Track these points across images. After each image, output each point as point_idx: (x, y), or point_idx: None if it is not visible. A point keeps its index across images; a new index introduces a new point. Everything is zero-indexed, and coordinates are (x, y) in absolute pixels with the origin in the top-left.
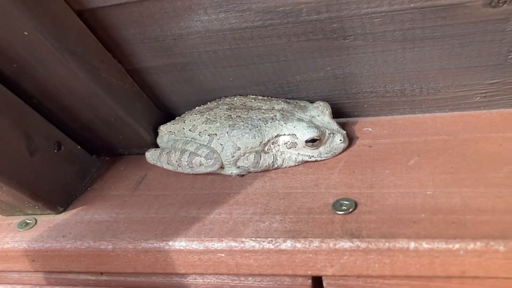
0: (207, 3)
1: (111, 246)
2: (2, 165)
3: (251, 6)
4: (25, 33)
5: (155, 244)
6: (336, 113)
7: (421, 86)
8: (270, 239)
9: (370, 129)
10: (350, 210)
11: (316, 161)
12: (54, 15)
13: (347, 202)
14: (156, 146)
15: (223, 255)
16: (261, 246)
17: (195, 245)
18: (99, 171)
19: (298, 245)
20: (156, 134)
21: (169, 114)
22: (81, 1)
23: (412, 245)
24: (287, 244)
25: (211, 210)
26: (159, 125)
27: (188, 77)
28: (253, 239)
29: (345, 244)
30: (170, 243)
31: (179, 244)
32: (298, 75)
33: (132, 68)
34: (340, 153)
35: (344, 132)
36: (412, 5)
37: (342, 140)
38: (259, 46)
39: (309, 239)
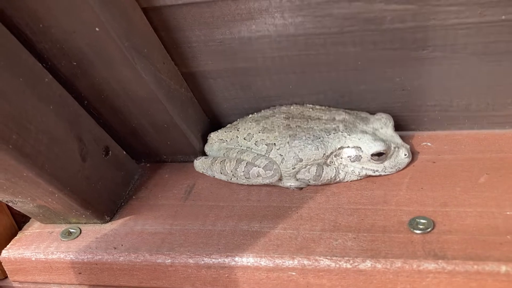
0: (286, 6)
1: (169, 260)
2: (57, 170)
3: (333, 11)
4: (97, 29)
5: (219, 260)
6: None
7: (487, 102)
8: (347, 258)
9: (429, 144)
10: (429, 229)
11: (379, 175)
12: (124, 11)
13: (424, 221)
14: (204, 154)
15: (294, 273)
16: (337, 265)
17: (264, 262)
18: (142, 178)
19: (379, 265)
20: (204, 142)
21: (215, 121)
22: None
23: (503, 268)
24: (367, 264)
25: (275, 224)
26: (206, 132)
27: (245, 83)
28: (328, 257)
29: (429, 265)
30: (236, 258)
31: (246, 260)
32: (363, 85)
33: (188, 71)
34: (403, 168)
35: (408, 146)
36: (503, 17)
37: (407, 154)
38: (330, 53)
39: (390, 259)
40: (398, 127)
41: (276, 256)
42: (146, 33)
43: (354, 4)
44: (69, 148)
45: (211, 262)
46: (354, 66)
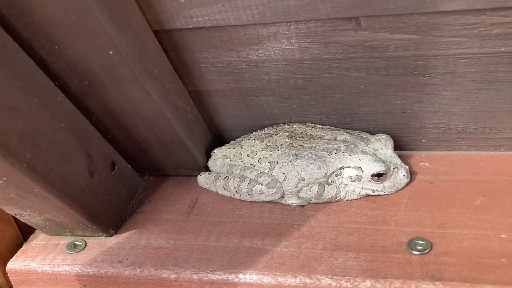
0: (293, 33)
1: (174, 276)
2: (66, 186)
3: (338, 39)
4: (110, 52)
5: (223, 276)
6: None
7: (484, 126)
8: (347, 277)
9: (427, 164)
10: (427, 250)
11: (379, 195)
12: (137, 35)
13: (422, 242)
14: (207, 169)
15: None
16: (338, 284)
17: (266, 279)
18: (146, 192)
19: (378, 285)
20: (207, 157)
21: (219, 138)
22: (162, 21)
23: None
24: (366, 284)
25: (277, 242)
26: (210, 148)
27: (250, 103)
28: (330, 276)
29: (427, 286)
30: (240, 275)
31: (249, 277)
32: (365, 107)
33: (195, 90)
34: (402, 188)
35: (407, 167)
36: (502, 49)
37: (406, 175)
38: (334, 77)
39: (390, 279)
40: (397, 147)
41: (278, 274)
42: (156, 55)
43: (359, 33)
44: (79, 165)
45: (215, 278)
46: (357, 90)
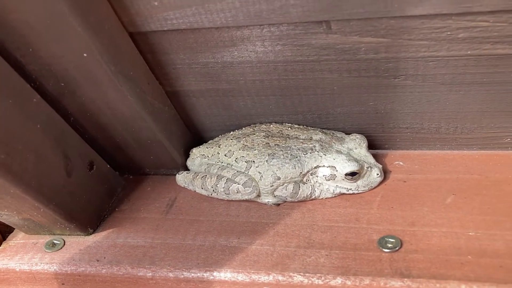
0: (267, 36)
1: (150, 274)
2: (43, 186)
3: (311, 41)
4: (85, 54)
5: (198, 274)
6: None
7: (456, 126)
8: (319, 275)
9: (401, 163)
10: (397, 248)
11: (353, 194)
12: (112, 38)
13: (392, 240)
14: (186, 168)
15: None
16: (309, 281)
17: (240, 277)
18: (125, 191)
19: (348, 282)
20: (186, 156)
21: (198, 137)
22: (136, 23)
23: (463, 287)
24: (337, 281)
25: (252, 240)
26: (189, 147)
27: (227, 103)
28: (302, 274)
29: (396, 283)
30: (215, 273)
31: (224, 275)
32: (340, 108)
33: (172, 91)
34: (376, 187)
35: (381, 166)
36: (469, 52)
37: (379, 174)
38: (308, 78)
39: (359, 277)
40: (372, 146)
41: (252, 271)
42: (132, 57)
43: (330, 36)
44: (55, 165)
45: (190, 276)
46: (331, 91)
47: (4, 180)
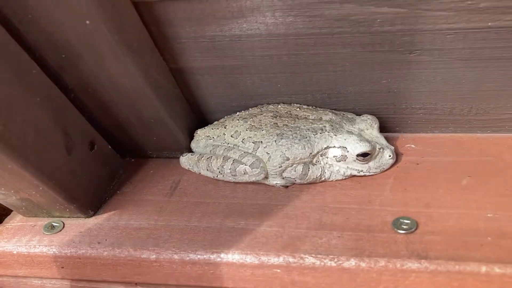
0: (278, 5)
1: (154, 256)
2: (42, 162)
3: (324, 12)
4: (87, 22)
5: (205, 256)
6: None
7: (471, 106)
8: (331, 256)
9: (413, 146)
10: (412, 229)
11: (364, 175)
12: (115, 5)
13: (408, 221)
14: (189, 150)
15: (279, 270)
16: (322, 263)
17: (249, 259)
18: (126, 174)
19: (363, 264)
20: (190, 138)
21: (202, 118)
22: None
23: (483, 269)
24: (351, 263)
25: (260, 222)
26: (193, 129)
27: (234, 81)
28: (313, 255)
29: (413, 265)
30: (222, 255)
31: (231, 257)
32: (351, 87)
33: (177, 68)
34: (387, 169)
35: (393, 147)
36: (489, 23)
37: (391, 156)
38: (319, 54)
39: (374, 258)
40: (383, 129)
41: (261, 253)
42: (136, 27)
43: (345, 6)
44: (55, 141)
45: (196, 258)
46: (343, 67)
47: (2, 154)
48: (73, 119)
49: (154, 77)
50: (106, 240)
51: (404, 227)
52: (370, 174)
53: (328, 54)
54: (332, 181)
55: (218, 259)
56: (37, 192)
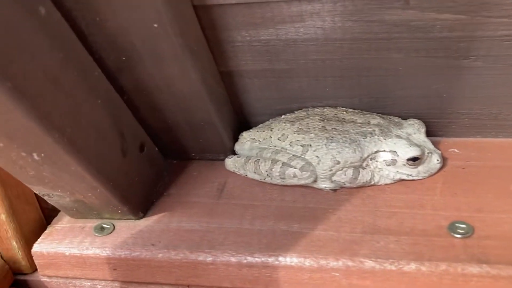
0: (339, 10)
1: (210, 258)
2: (102, 165)
3: (384, 17)
4: (155, 25)
5: (262, 259)
6: None
7: None
8: (391, 260)
9: (456, 150)
10: (469, 234)
11: (412, 180)
12: (181, 8)
13: (463, 226)
14: (233, 152)
15: (337, 274)
16: (381, 267)
17: (308, 262)
18: (170, 176)
19: (423, 268)
20: (234, 140)
21: (244, 121)
22: None
23: None
24: (411, 267)
25: (314, 225)
26: (236, 131)
27: (282, 84)
28: (373, 259)
29: (474, 269)
30: (280, 258)
31: (290, 260)
32: (400, 91)
33: (226, 70)
34: (435, 174)
35: (440, 152)
36: None
37: (439, 160)
38: (373, 58)
39: (435, 262)
40: (426, 133)
41: (320, 257)
42: (196, 31)
43: (406, 11)
44: (113, 143)
45: (254, 261)
46: (394, 72)
47: (69, 157)
48: (127, 121)
49: (209, 81)
50: (159, 242)
51: (460, 231)
52: (419, 178)
53: (381, 58)
54: (381, 185)
55: (276, 262)
56: (93, 194)
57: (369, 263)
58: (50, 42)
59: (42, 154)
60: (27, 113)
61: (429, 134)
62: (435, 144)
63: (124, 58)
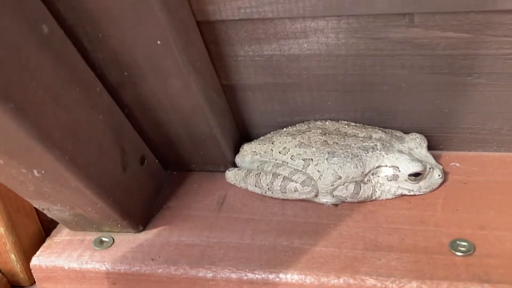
0: (343, 27)
1: (211, 274)
2: (103, 181)
3: (388, 35)
4: (158, 42)
5: (263, 275)
6: None
7: None
8: (393, 278)
9: (457, 164)
10: (470, 252)
11: (414, 195)
12: (184, 25)
13: (465, 243)
14: (234, 164)
15: None
16: (383, 285)
17: (309, 279)
18: (170, 187)
19: (424, 287)
20: (235, 153)
21: (245, 133)
22: (207, 12)
23: None
24: (412, 285)
25: (315, 241)
26: (237, 143)
27: (284, 98)
28: (374, 277)
29: None
30: (281, 275)
31: (290, 277)
32: (402, 106)
33: (228, 84)
34: (436, 189)
35: (441, 167)
36: None
37: (441, 175)
38: (376, 74)
39: (436, 281)
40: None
41: (321, 274)
42: (199, 47)
43: (411, 30)
44: (114, 158)
45: (254, 277)
46: (397, 87)
47: (70, 173)
48: (128, 135)
49: (211, 95)
50: (159, 257)
51: (462, 249)
52: (420, 193)
53: (385, 74)
54: (382, 200)
55: (277, 279)
56: (93, 209)
57: (370, 281)
58: (52, 60)
59: (43, 171)
60: (28, 132)
61: (430, 147)
62: (436, 157)
63: (126, 74)
